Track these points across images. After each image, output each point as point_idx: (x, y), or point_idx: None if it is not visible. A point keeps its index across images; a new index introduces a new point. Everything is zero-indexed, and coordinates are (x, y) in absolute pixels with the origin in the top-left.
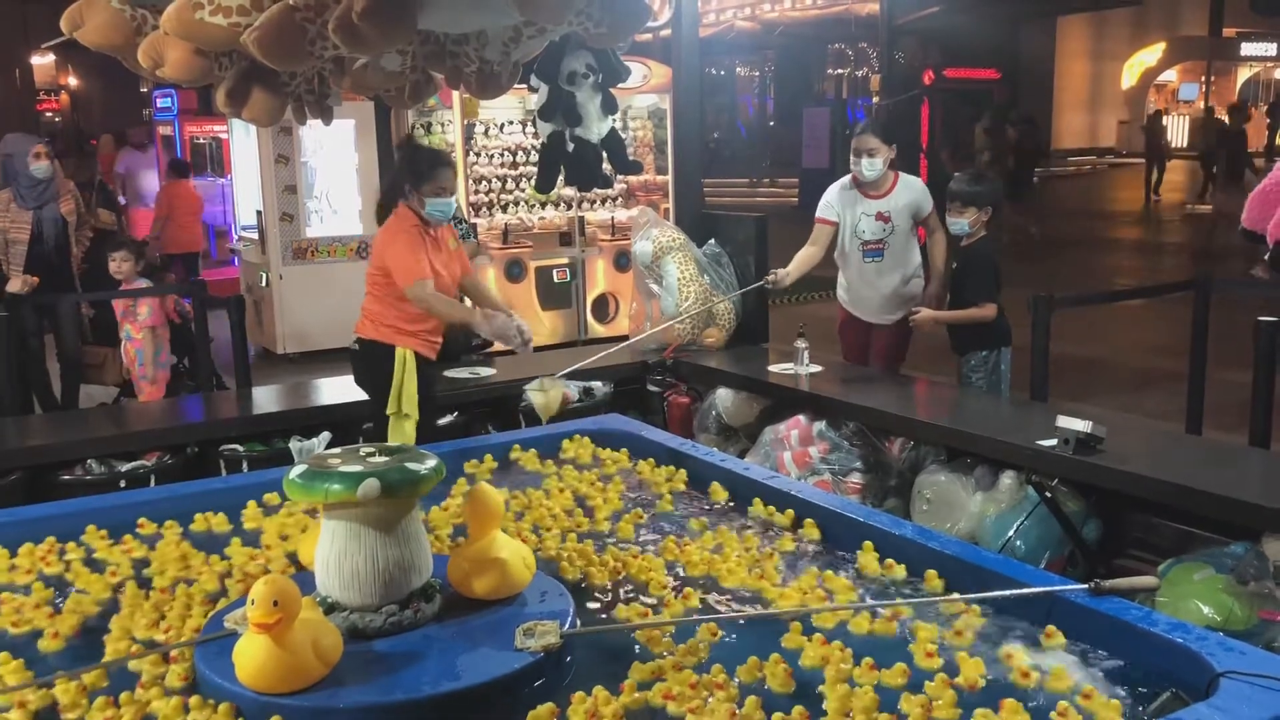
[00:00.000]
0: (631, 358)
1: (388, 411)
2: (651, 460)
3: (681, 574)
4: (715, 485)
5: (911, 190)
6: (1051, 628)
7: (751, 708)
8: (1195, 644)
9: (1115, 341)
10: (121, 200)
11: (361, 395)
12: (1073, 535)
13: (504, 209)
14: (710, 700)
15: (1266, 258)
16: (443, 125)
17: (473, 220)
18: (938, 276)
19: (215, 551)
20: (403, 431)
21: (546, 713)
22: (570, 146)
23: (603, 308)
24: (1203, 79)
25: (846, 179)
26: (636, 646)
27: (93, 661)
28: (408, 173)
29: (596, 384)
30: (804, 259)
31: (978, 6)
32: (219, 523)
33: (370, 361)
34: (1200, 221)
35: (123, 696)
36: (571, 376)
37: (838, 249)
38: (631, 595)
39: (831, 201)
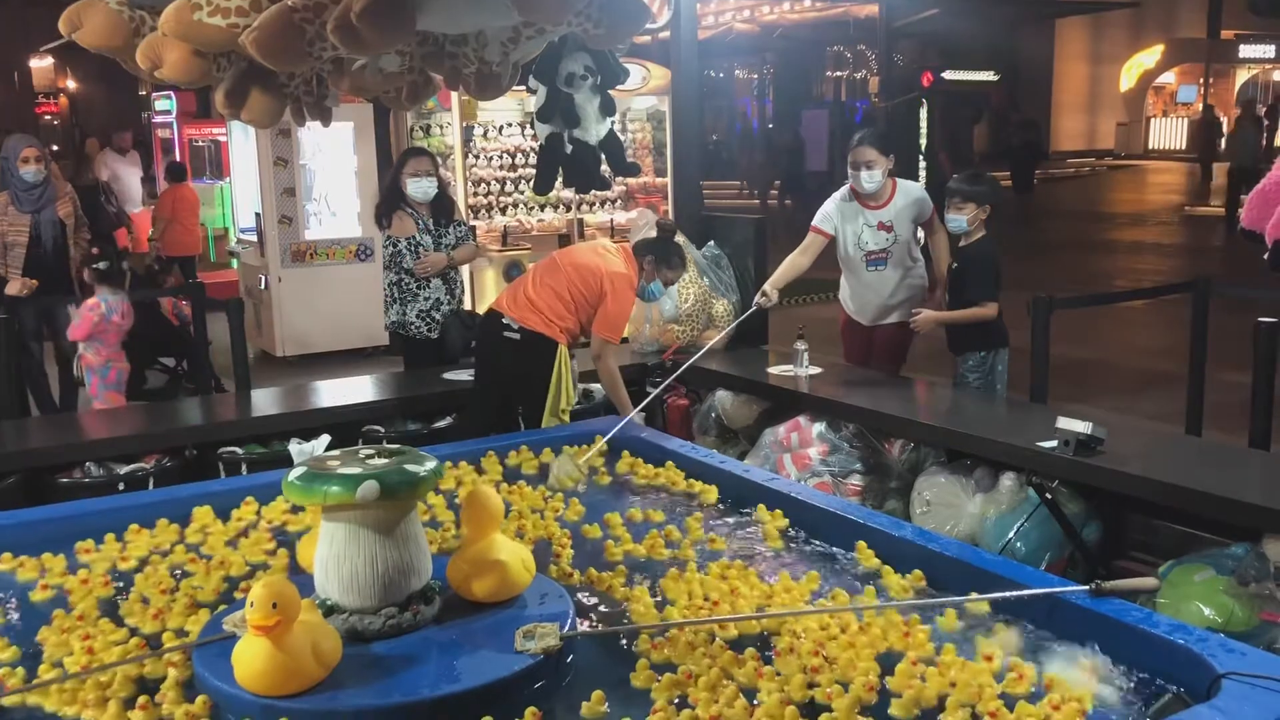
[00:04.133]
0: (630, 359)
1: (548, 408)
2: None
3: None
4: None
5: (910, 196)
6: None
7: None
8: (1196, 645)
9: (1115, 343)
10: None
11: (361, 398)
12: (1073, 537)
13: (503, 211)
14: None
15: (1266, 257)
16: (441, 127)
17: (471, 223)
18: (941, 281)
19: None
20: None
21: (668, 687)
22: (569, 148)
23: None
24: (1201, 81)
25: (845, 190)
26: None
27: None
28: (664, 251)
29: (595, 386)
30: (790, 266)
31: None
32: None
33: (532, 352)
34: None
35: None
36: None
37: (841, 259)
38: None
39: (830, 214)
